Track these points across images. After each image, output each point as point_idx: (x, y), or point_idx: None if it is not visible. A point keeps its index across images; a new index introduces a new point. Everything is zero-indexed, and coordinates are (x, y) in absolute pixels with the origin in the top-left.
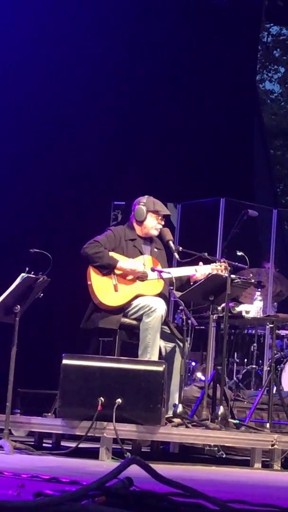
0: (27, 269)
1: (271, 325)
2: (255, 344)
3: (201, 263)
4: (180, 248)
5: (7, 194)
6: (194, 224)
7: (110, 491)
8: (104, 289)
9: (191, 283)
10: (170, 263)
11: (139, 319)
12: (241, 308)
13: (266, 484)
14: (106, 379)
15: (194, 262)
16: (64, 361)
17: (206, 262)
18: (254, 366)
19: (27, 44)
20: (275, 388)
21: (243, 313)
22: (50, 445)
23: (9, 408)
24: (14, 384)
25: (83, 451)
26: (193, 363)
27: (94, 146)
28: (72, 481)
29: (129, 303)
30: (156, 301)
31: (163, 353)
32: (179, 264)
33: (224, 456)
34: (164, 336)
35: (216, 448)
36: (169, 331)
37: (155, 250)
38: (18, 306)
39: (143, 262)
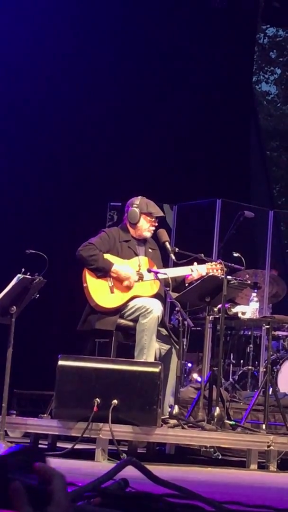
0: (23, 270)
1: (267, 326)
2: (251, 345)
3: (195, 263)
4: (177, 249)
5: (2, 195)
6: (190, 225)
7: (105, 492)
8: (100, 291)
9: (187, 284)
10: (166, 264)
11: (135, 320)
12: (237, 309)
13: (262, 485)
14: (102, 380)
15: (190, 263)
16: (60, 362)
17: (203, 263)
18: (250, 367)
19: (27, 44)
20: (271, 389)
21: (239, 314)
22: (46, 446)
23: (5, 409)
24: (10, 385)
25: (79, 452)
26: (189, 364)
27: (90, 147)
28: (67, 482)
29: (125, 305)
30: (152, 302)
31: (158, 354)
32: (176, 265)
33: (220, 457)
34: (160, 338)
35: (212, 449)
36: (165, 333)
37: (150, 250)
38: (14, 307)
39: (138, 263)
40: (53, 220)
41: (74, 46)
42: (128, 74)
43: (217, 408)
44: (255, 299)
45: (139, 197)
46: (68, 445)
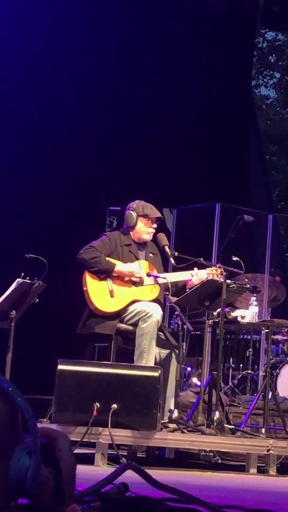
0: (22, 274)
1: (267, 330)
2: (250, 349)
3: (195, 268)
4: (176, 253)
5: (2, 199)
6: (189, 229)
7: (105, 497)
8: (100, 295)
9: (187, 289)
10: (165, 268)
11: (135, 324)
12: (237, 313)
13: (262, 489)
14: (102, 385)
15: (190, 267)
16: (60, 367)
17: (202, 267)
18: (249, 371)
19: (27, 47)
20: (270, 393)
21: (239, 318)
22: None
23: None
24: None
25: (79, 456)
26: (189, 368)
27: (90, 151)
28: None
29: (125, 309)
30: (152, 307)
31: (157, 359)
32: (175, 269)
33: (219, 461)
34: (159, 343)
35: (211, 454)
36: (164, 337)
37: (150, 255)
38: (14, 312)
39: (139, 267)
40: (53, 225)
41: (74, 50)
42: (127, 79)
43: (217, 412)
44: (255, 303)
45: (137, 201)
46: None
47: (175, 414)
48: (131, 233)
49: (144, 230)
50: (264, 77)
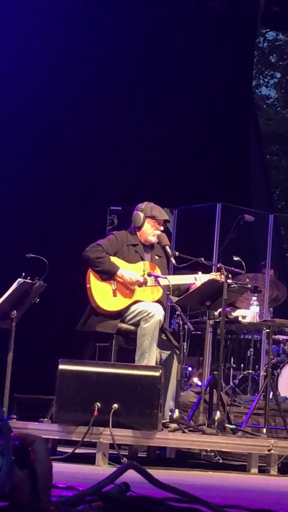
0: (23, 274)
1: (268, 330)
2: (251, 349)
3: (199, 272)
4: (177, 253)
5: (2, 199)
6: (190, 229)
7: (107, 496)
8: (103, 294)
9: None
10: (168, 269)
11: (136, 324)
12: (238, 313)
13: (263, 489)
14: (103, 384)
15: (191, 267)
16: (61, 367)
17: (203, 267)
18: (250, 371)
19: (27, 47)
20: (271, 393)
21: (240, 318)
22: None
23: (6, 414)
24: (10, 390)
25: (80, 456)
26: (190, 368)
27: (90, 151)
28: (68, 486)
29: (126, 309)
30: (154, 307)
31: (158, 359)
32: (176, 269)
33: (220, 461)
34: (160, 343)
35: (212, 453)
36: (165, 337)
37: (156, 257)
38: (15, 312)
39: (143, 268)
40: (54, 224)
41: (75, 50)
42: (127, 78)
43: (218, 412)
44: (256, 303)
45: (146, 202)
46: (69, 450)
47: (176, 414)
48: (138, 233)
49: (150, 231)
50: (264, 77)
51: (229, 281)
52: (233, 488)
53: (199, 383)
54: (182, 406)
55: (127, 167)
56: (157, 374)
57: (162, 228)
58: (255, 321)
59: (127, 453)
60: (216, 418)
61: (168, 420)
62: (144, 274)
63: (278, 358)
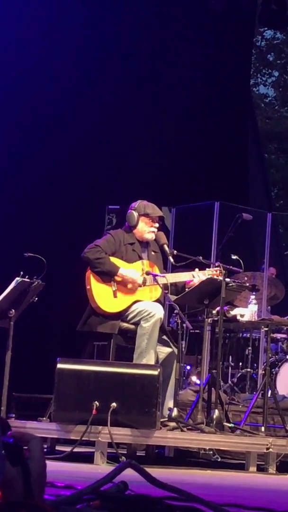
0: (21, 273)
1: (266, 329)
2: (249, 348)
3: (197, 269)
4: (175, 251)
5: (1, 198)
6: (188, 228)
7: (105, 495)
8: (103, 295)
9: (187, 289)
10: (165, 266)
11: (136, 323)
12: (236, 311)
13: (261, 487)
14: (101, 383)
15: (189, 266)
16: (59, 365)
17: (201, 265)
18: (249, 369)
19: (27, 47)
20: (270, 392)
21: (238, 317)
22: (45, 450)
23: (4, 413)
24: (8, 388)
25: (78, 455)
26: (188, 367)
27: (88, 150)
28: (67, 485)
29: (127, 309)
30: (154, 306)
31: (157, 358)
32: (174, 268)
33: (219, 459)
34: (158, 341)
35: (211, 452)
36: (163, 336)
37: (152, 253)
38: (13, 311)
39: (142, 267)
40: (52, 223)
41: (73, 50)
42: (125, 78)
43: (216, 411)
44: (254, 301)
45: (139, 201)
46: (67, 448)
47: (175, 412)
48: (133, 232)
49: (145, 229)
50: (262, 75)
51: (228, 279)
52: (232, 486)
53: (198, 381)
54: (180, 405)
55: (125, 166)
56: (155, 372)
57: (157, 225)
58: (253, 320)
59: (125, 452)
60: (214, 416)
61: (166, 419)
62: (143, 273)
63: (276, 356)
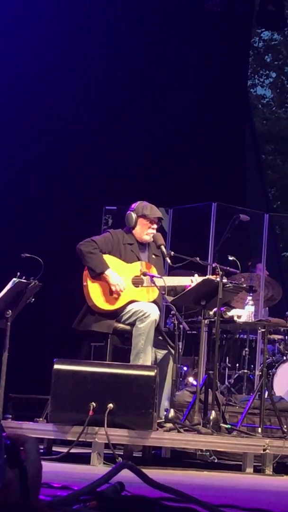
0: (18, 274)
1: (263, 330)
2: (246, 349)
3: (196, 274)
4: (172, 252)
5: None
6: (185, 229)
7: (101, 496)
8: (99, 292)
9: None
10: (164, 269)
11: (132, 324)
12: (233, 312)
13: (258, 488)
14: (98, 384)
15: (186, 267)
16: (56, 366)
17: (198, 266)
18: (245, 370)
19: (26, 47)
20: (266, 393)
21: (235, 318)
22: (41, 450)
23: (0, 413)
24: (5, 389)
25: (75, 456)
26: (185, 368)
27: (86, 151)
28: (63, 486)
29: (122, 308)
30: (149, 307)
31: (154, 359)
32: (171, 269)
33: (216, 461)
34: (155, 342)
35: (208, 453)
36: (160, 337)
37: (153, 256)
38: (10, 311)
39: (140, 268)
40: (49, 224)
41: (71, 51)
42: (122, 79)
43: (213, 412)
44: (251, 302)
45: (138, 202)
46: (64, 449)
47: (171, 413)
48: (132, 233)
49: (144, 230)
50: (260, 76)
51: (224, 280)
52: (228, 487)
53: (195, 382)
54: (177, 406)
55: (122, 167)
56: (152, 373)
57: (155, 226)
58: (250, 321)
59: (122, 453)
60: (211, 417)
61: (163, 420)
62: (140, 274)
63: (273, 357)
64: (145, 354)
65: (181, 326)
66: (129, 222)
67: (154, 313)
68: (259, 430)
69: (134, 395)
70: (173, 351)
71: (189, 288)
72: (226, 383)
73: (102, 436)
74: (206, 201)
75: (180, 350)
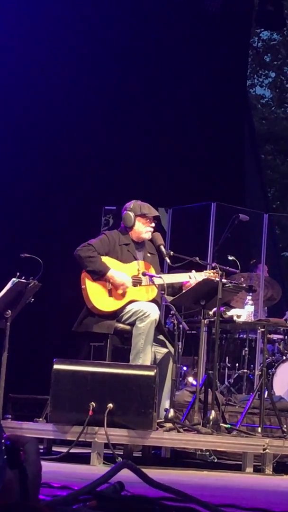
0: (18, 274)
1: (263, 330)
2: (246, 349)
3: (193, 270)
4: (171, 252)
5: None
6: (185, 228)
7: (101, 496)
8: (98, 294)
9: (184, 290)
10: (161, 267)
11: (132, 324)
12: (232, 312)
13: (258, 488)
14: (98, 384)
15: (185, 267)
16: (55, 366)
17: (197, 266)
18: (245, 370)
19: (26, 47)
20: (266, 393)
21: (234, 318)
22: (41, 451)
23: (0, 414)
24: (5, 389)
25: (75, 456)
26: (185, 368)
27: (85, 151)
28: (63, 486)
29: (122, 309)
30: (149, 306)
31: (153, 358)
32: (171, 269)
33: (215, 460)
34: (156, 342)
35: (207, 453)
36: (160, 337)
37: (148, 255)
38: (9, 311)
39: (137, 268)
40: (48, 224)
41: (71, 51)
42: (122, 79)
43: (213, 412)
44: (250, 302)
45: (133, 201)
46: (64, 449)
47: (171, 413)
48: (129, 233)
49: (142, 229)
50: (259, 76)
51: (224, 280)
52: (228, 487)
53: (194, 382)
54: (177, 406)
55: (122, 167)
56: (152, 373)
57: (153, 224)
58: (250, 321)
59: (122, 453)
60: (211, 417)
61: (163, 420)
62: (138, 273)
63: (273, 357)
64: (145, 354)
65: (180, 326)
66: (127, 222)
67: (154, 313)
68: (259, 429)
69: (134, 395)
70: (172, 350)
71: (189, 288)
72: (226, 383)
73: (102, 436)
74: (206, 201)
75: (179, 350)
